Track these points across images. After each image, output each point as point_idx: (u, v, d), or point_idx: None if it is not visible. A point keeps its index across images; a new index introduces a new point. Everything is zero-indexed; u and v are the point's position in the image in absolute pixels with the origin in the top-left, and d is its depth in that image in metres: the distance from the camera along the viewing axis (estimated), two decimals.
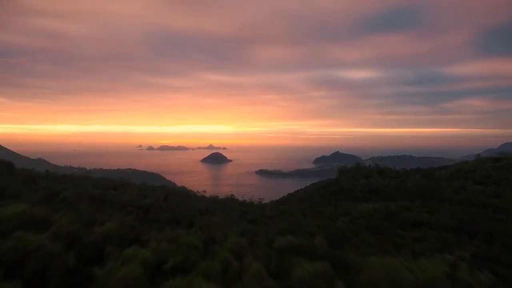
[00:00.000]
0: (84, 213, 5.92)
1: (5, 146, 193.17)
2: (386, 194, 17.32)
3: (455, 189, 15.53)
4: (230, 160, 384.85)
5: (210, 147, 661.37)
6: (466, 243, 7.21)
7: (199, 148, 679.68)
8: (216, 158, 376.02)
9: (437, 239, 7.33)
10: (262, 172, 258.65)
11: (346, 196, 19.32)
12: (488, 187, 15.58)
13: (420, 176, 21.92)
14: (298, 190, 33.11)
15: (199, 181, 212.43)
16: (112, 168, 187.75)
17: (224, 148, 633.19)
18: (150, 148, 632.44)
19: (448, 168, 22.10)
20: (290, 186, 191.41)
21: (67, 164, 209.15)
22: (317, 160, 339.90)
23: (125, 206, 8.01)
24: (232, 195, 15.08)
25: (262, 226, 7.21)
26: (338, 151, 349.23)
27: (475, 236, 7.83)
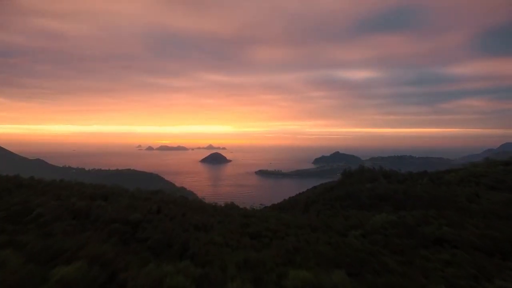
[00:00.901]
0: (56, 237, 4.94)
1: (4, 147, 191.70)
2: (395, 200, 16.34)
3: (468, 196, 14.59)
4: (230, 161, 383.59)
5: (210, 147, 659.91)
6: (503, 267, 6.23)
7: (199, 148, 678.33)
8: (215, 158, 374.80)
9: (469, 262, 6.34)
10: (261, 173, 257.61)
11: (352, 202, 18.32)
12: (503, 193, 14.65)
13: (428, 180, 20.94)
14: (300, 193, 32.13)
15: (199, 182, 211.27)
16: (111, 169, 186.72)
17: (224, 148, 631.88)
18: (150, 148, 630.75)
19: (457, 172, 21.13)
20: (290, 187, 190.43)
21: (66, 165, 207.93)
22: (317, 161, 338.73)
23: (111, 222, 7.01)
24: (233, 202, 14.09)
25: (267, 250, 6.22)
26: (338, 151, 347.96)
27: (509, 257, 6.86)
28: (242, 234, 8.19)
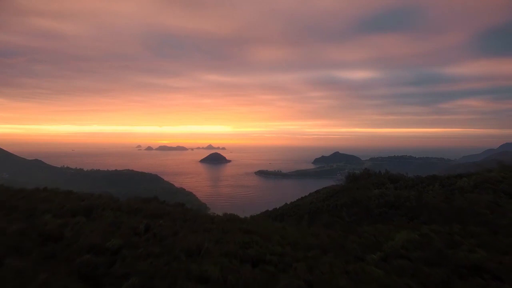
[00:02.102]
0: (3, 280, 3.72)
1: (2, 147, 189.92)
2: (407, 209, 15.15)
3: (487, 205, 13.38)
4: (229, 161, 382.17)
5: (209, 147, 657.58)
6: None
7: (198, 148, 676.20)
8: (215, 159, 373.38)
9: None
10: (261, 173, 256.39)
11: (360, 210, 17.12)
12: None
13: (439, 185, 19.74)
14: (302, 198, 30.91)
15: (198, 182, 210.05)
16: (109, 169, 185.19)
17: (223, 148, 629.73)
18: (149, 148, 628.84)
19: (470, 177, 19.90)
20: (290, 187, 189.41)
21: (64, 165, 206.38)
22: (316, 161, 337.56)
23: (86, 251, 5.78)
24: (232, 214, 12.90)
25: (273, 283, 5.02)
26: (337, 152, 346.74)
27: None
28: (243, 260, 6.96)
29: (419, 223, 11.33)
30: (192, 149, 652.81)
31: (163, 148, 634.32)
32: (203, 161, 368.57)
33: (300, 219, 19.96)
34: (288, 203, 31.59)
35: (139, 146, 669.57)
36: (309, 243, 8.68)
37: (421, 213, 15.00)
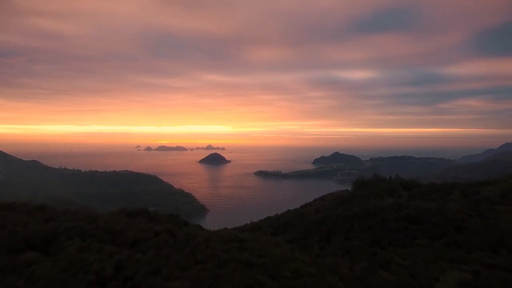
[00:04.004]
0: None
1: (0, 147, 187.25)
2: (430, 225, 13.20)
3: None
4: (229, 161, 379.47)
5: (209, 147, 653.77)
6: None
7: (198, 148, 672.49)
8: (215, 159, 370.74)
9: None
10: (261, 173, 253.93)
11: (374, 223, 15.18)
12: None
13: (460, 194, 17.81)
14: (306, 205, 28.95)
15: (198, 183, 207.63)
16: (107, 170, 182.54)
17: (223, 149, 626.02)
18: (148, 148, 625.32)
19: (494, 185, 18.01)
20: (291, 189, 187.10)
21: (62, 166, 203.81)
22: (316, 161, 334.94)
23: None
24: (231, 233, 10.98)
25: None
26: (337, 152, 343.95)
27: None
28: None
29: (460, 252, 9.29)
30: (191, 149, 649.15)
31: (162, 148, 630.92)
32: (203, 161, 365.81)
33: (306, 231, 18.01)
34: (291, 210, 29.67)
35: (138, 146, 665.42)
36: (329, 282, 6.77)
37: (447, 230, 13.08)
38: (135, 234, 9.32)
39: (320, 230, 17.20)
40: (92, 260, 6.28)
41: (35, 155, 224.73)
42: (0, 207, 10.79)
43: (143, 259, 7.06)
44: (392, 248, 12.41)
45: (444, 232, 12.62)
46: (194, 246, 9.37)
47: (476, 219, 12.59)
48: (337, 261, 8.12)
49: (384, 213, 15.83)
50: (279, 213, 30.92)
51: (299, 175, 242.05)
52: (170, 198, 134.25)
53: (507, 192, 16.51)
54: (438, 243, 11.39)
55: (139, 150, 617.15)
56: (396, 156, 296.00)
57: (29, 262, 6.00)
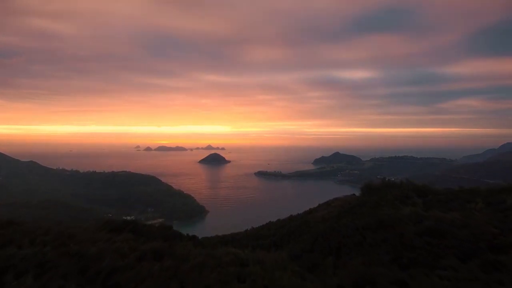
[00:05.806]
0: None
1: None
2: (457, 242, 11.49)
3: None
4: (229, 161, 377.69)
5: (209, 147, 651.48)
6: None
7: (197, 148, 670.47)
8: (214, 159, 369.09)
9: None
10: (261, 174, 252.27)
11: (391, 236, 13.49)
12: None
13: (483, 203, 16.10)
14: (311, 210, 27.26)
15: (197, 184, 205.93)
16: (106, 171, 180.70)
17: (223, 149, 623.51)
18: (148, 148, 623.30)
19: None
20: (291, 189, 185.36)
21: (60, 166, 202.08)
22: (316, 161, 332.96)
23: None
24: (232, 252, 9.31)
25: None
26: (338, 152, 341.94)
27: None
28: None
29: (505, 277, 7.71)
30: (191, 149, 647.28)
31: (162, 148, 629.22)
32: (202, 161, 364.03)
33: (313, 243, 16.35)
34: (294, 215, 28.05)
35: (138, 146, 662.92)
36: None
37: (479, 249, 11.44)
38: (112, 262, 7.64)
39: (328, 243, 15.59)
40: None
41: (34, 156, 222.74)
42: None
43: None
44: (415, 269, 10.77)
45: (475, 251, 11.02)
46: (183, 275, 7.70)
47: (509, 234, 10.94)
48: None
49: (401, 225, 14.21)
50: (281, 219, 29.34)
51: (299, 176, 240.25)
52: (169, 199, 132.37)
53: None
54: (472, 264, 9.77)
55: (139, 150, 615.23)
56: (397, 156, 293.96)
57: None
